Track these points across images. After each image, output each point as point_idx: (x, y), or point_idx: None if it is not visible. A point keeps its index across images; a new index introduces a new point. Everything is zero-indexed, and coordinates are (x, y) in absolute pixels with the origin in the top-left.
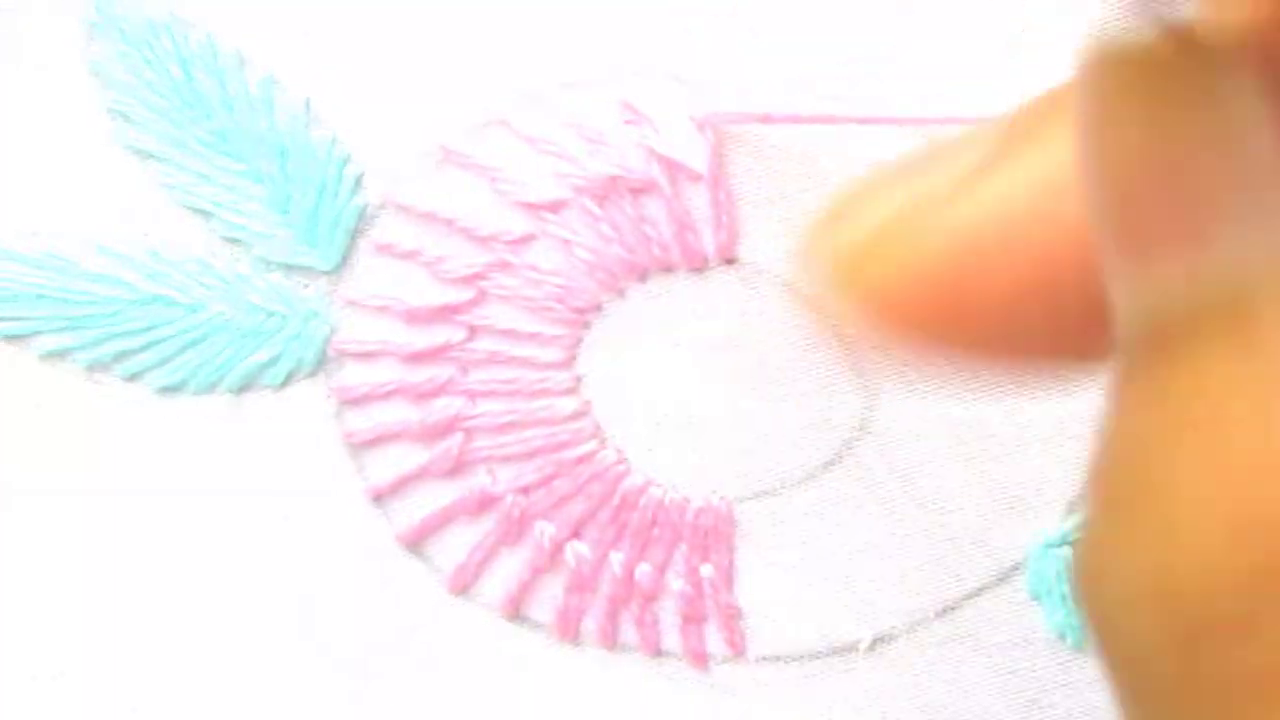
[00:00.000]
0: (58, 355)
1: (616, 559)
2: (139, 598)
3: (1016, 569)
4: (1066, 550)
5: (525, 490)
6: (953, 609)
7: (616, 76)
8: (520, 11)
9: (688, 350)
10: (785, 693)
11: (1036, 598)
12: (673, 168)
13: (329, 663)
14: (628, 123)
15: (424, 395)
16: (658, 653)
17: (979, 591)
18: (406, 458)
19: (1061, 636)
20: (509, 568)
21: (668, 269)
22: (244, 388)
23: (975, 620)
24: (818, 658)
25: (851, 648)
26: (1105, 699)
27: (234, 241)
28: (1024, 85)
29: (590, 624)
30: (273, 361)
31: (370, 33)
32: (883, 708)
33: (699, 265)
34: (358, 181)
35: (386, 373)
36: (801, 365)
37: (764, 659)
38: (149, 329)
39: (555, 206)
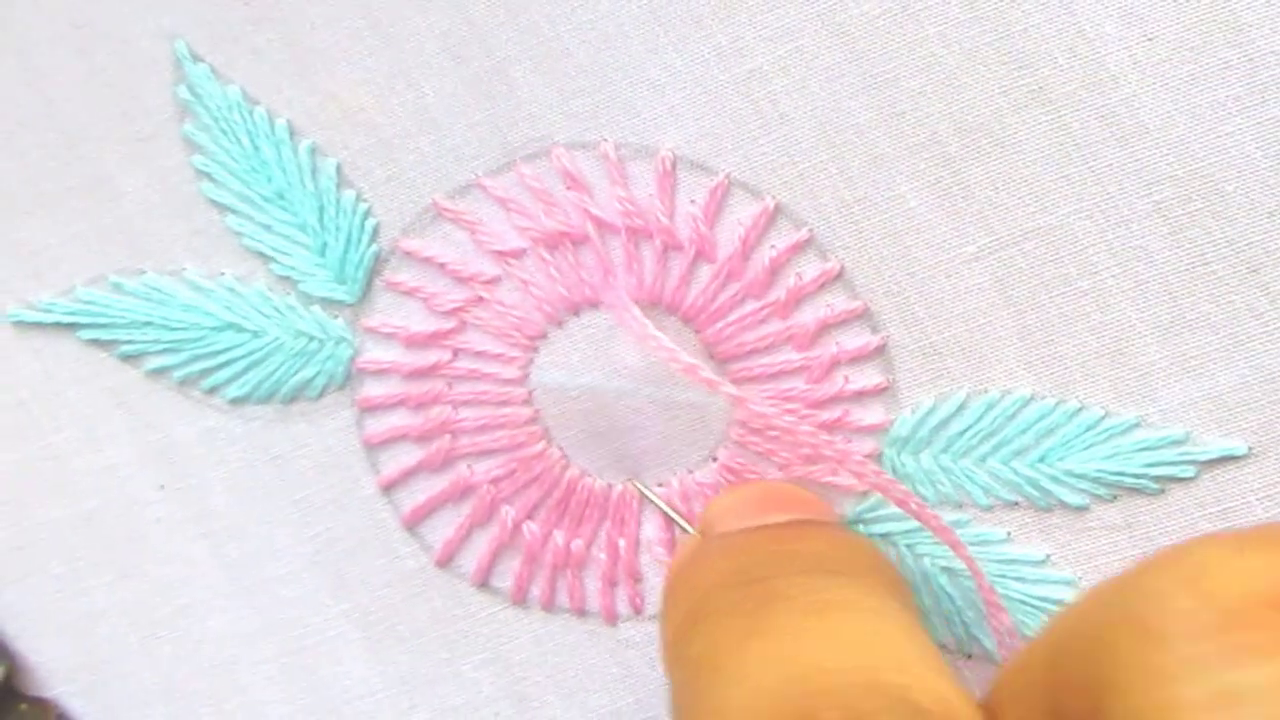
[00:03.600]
0: (160, 372)
1: (559, 535)
2: (213, 550)
3: None
4: (860, 527)
5: (495, 481)
6: None
7: (561, 149)
8: (496, 100)
9: (607, 369)
10: None
11: None
12: (599, 224)
13: (352, 620)
14: (569, 188)
15: (421, 404)
16: (583, 612)
17: None
18: (408, 455)
19: None
20: (480, 544)
21: (594, 305)
22: (292, 399)
23: None
24: None
25: None
26: None
27: (285, 279)
28: None
29: (535, 590)
30: (313, 377)
31: (384, 104)
32: None
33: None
34: (375, 231)
35: (393, 386)
36: (682, 381)
37: (654, 617)
38: (224, 350)
39: (517, 254)
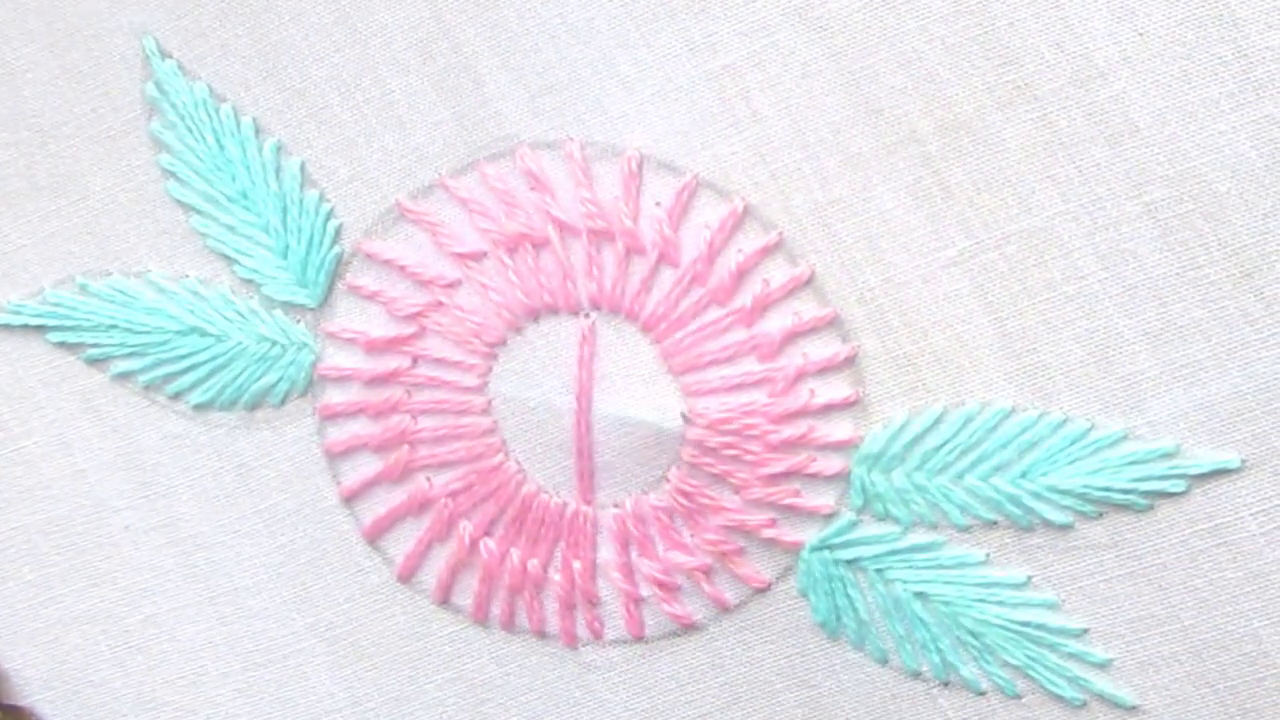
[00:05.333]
0: (125, 376)
1: (515, 554)
2: (180, 559)
3: (790, 570)
4: (826, 553)
5: (453, 495)
6: (745, 603)
7: (526, 149)
8: (459, 95)
9: (564, 380)
10: (630, 669)
11: (804, 593)
12: (561, 226)
13: (317, 634)
14: (532, 189)
15: (381, 413)
16: (543, 634)
17: (764, 589)
18: (368, 465)
19: (823, 625)
20: (440, 560)
21: (554, 311)
22: (255, 405)
23: (761, 613)
24: (649, 642)
25: (674, 634)
26: (859, 683)
27: (249, 282)
28: None
29: (495, 609)
30: (275, 383)
31: (347, 101)
32: (697, 683)
33: (575, 309)
34: (337, 233)
35: (354, 394)
36: (639, 395)
37: (614, 641)
38: (188, 355)
39: (477, 256)
